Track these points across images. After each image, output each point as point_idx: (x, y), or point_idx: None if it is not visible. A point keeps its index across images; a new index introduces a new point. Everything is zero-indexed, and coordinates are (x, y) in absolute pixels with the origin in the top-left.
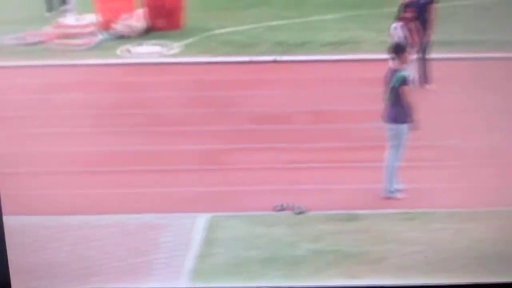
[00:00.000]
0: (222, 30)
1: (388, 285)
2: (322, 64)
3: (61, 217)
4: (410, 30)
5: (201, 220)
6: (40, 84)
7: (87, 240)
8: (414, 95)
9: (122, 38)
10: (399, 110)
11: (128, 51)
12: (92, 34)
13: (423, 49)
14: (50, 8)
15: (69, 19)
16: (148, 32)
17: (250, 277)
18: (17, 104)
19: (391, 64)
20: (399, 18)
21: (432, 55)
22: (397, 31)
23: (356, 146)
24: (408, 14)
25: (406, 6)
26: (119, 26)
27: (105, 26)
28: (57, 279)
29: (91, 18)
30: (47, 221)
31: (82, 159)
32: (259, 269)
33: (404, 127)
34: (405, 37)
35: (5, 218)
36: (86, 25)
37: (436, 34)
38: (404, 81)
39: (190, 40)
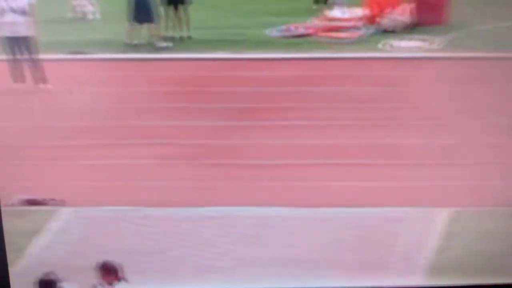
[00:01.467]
0: (484, 26)
1: (388, 285)
2: None
3: (309, 209)
4: None
5: (440, 215)
6: (298, 76)
7: (331, 231)
8: None
9: (386, 32)
10: None
11: (390, 45)
12: (356, 27)
13: None
14: (317, 0)
15: (336, 12)
16: (412, 27)
17: (486, 271)
18: (275, 95)
19: None
20: None
21: None
22: None
23: None
24: None
25: None
26: (384, 20)
27: (370, 20)
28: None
29: (357, 11)
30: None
31: (333, 151)
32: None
33: None
34: None
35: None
36: (352, 19)
37: None
38: None
39: (451, 35)
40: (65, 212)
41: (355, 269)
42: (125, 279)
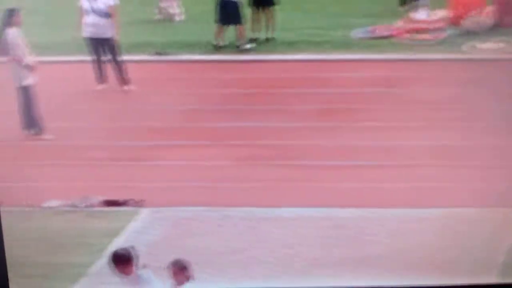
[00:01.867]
0: None
1: (388, 285)
2: None
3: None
4: None
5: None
6: (381, 77)
7: (407, 232)
8: None
9: (469, 34)
10: None
11: (474, 47)
12: (441, 29)
13: None
14: (403, 2)
15: (421, 14)
16: (495, 29)
17: None
18: (357, 97)
19: None
20: None
21: None
22: None
23: None
24: None
25: None
26: (468, 22)
27: (455, 21)
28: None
29: (442, 13)
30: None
31: (410, 152)
32: None
33: None
34: None
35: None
36: (436, 20)
37: None
38: None
39: None
40: (144, 213)
41: (430, 268)
42: (192, 277)
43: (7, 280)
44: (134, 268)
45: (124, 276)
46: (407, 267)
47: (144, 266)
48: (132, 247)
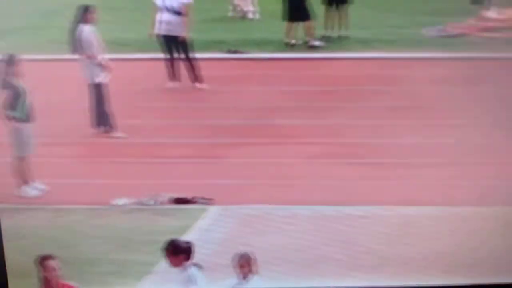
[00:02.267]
0: None
1: (387, 285)
2: None
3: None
4: None
5: None
6: (451, 75)
7: (479, 230)
8: None
9: None
10: None
11: None
12: (510, 28)
13: None
14: (474, 1)
15: (492, 12)
16: None
17: None
18: (426, 94)
19: None
20: None
21: None
22: None
23: None
24: None
25: None
26: None
27: None
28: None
29: None
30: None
31: (481, 151)
32: None
33: None
34: None
35: None
36: (508, 19)
37: None
38: None
39: None
40: (212, 211)
41: (499, 266)
42: (256, 272)
43: (6, 280)
44: (184, 262)
45: (172, 266)
46: (477, 266)
47: (196, 265)
48: (189, 242)
